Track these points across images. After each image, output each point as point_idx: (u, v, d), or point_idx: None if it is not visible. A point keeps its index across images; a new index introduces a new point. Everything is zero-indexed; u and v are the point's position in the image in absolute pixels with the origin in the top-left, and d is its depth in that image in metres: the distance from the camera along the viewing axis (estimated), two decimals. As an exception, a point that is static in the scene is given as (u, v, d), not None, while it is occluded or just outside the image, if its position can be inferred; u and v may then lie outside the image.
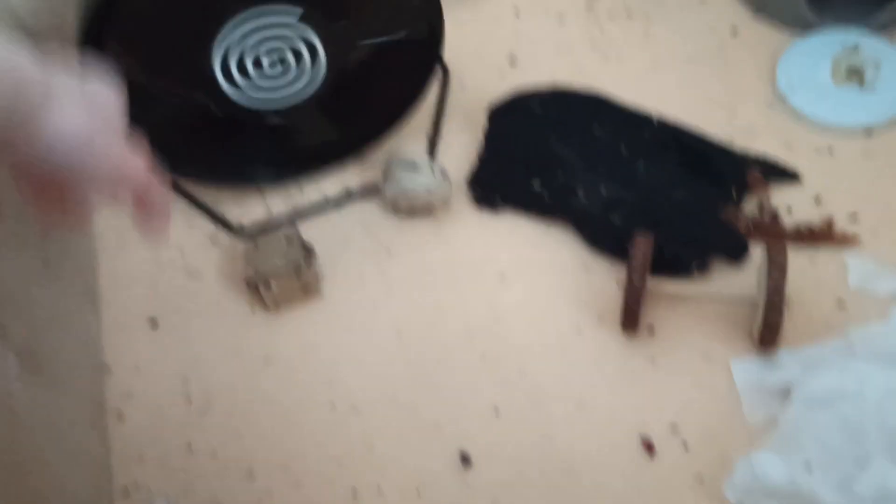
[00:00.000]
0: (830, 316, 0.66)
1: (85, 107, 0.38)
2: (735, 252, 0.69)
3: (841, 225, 0.70)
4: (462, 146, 0.81)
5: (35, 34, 0.77)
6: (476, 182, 0.77)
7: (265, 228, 0.77)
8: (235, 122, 0.76)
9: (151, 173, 0.41)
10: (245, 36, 0.68)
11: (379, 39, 0.75)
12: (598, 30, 0.88)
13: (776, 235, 0.69)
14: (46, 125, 0.36)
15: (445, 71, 0.86)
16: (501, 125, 0.79)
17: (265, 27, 0.68)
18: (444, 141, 0.82)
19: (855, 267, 0.67)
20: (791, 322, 0.64)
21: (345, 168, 0.80)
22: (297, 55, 0.70)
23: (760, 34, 0.84)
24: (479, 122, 0.81)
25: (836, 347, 0.62)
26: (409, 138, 0.81)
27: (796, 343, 0.64)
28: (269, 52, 0.69)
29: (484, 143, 0.79)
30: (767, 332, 0.61)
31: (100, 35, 0.64)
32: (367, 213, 0.77)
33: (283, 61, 0.70)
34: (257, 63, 0.70)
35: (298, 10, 0.67)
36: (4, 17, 0.73)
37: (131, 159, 0.40)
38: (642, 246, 0.63)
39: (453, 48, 0.86)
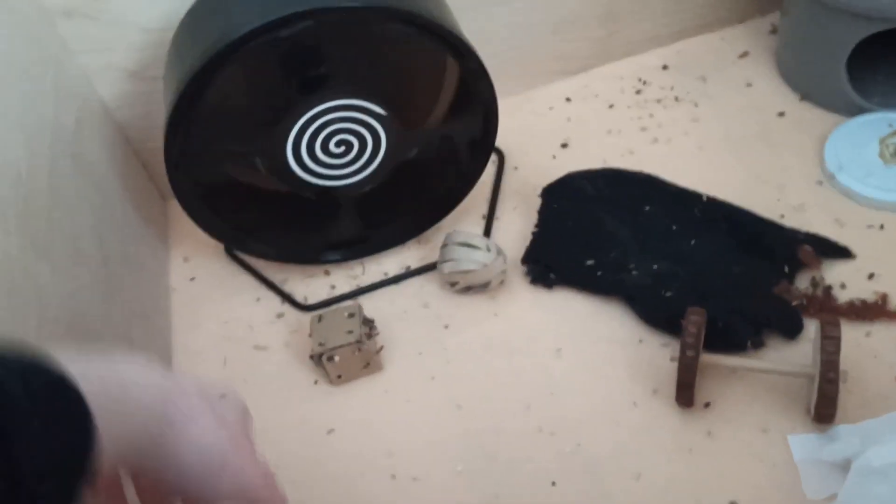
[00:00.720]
0: (888, 389, 0.66)
1: (218, 423, 0.38)
2: (789, 327, 0.70)
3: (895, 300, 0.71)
4: (516, 225, 0.84)
5: (124, 126, 0.84)
6: (530, 259, 0.79)
7: (329, 304, 0.81)
8: (303, 203, 0.81)
9: (274, 485, 0.40)
10: (316, 120, 0.73)
11: (437, 129, 0.79)
12: (646, 114, 0.92)
13: (830, 310, 0.70)
14: (182, 444, 0.36)
15: (500, 154, 0.90)
16: (555, 204, 0.82)
17: (332, 116, 0.73)
18: (498, 220, 0.85)
19: (911, 341, 0.67)
20: (848, 396, 0.64)
21: (406, 245, 0.84)
22: (363, 140, 0.75)
23: (807, 117, 0.87)
24: (533, 203, 0.85)
25: (894, 420, 0.62)
26: (465, 218, 0.85)
27: (854, 417, 0.64)
28: (336, 136, 0.74)
29: (538, 221, 0.82)
30: (823, 407, 0.61)
31: (185, 124, 0.70)
32: (425, 289, 0.81)
33: (348, 145, 0.75)
34: (325, 147, 0.75)
35: (367, 104, 0.73)
36: (96, 108, 0.80)
37: (259, 475, 0.39)
38: (695, 320, 0.65)
39: (508, 132, 0.91)
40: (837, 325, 0.61)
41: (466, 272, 0.76)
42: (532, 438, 0.69)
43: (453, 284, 0.79)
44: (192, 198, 0.75)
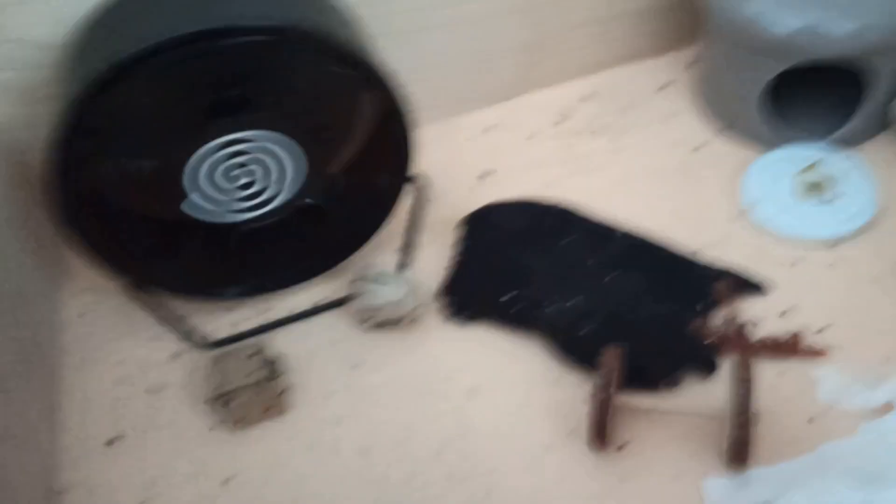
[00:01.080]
0: (801, 431, 0.64)
1: None
2: (704, 366, 0.68)
3: (809, 337, 0.70)
4: (434, 258, 0.81)
5: (12, 150, 0.79)
6: (447, 294, 0.76)
7: (232, 341, 0.76)
8: (205, 236, 0.77)
9: None
10: (219, 150, 0.69)
11: (346, 159, 0.76)
12: (567, 145, 0.90)
13: (744, 349, 0.69)
14: None
15: (421, 182, 0.87)
16: (473, 237, 0.80)
17: (241, 142, 0.69)
18: (416, 251, 0.82)
19: (824, 380, 0.66)
20: (762, 437, 0.63)
21: (316, 281, 0.80)
22: (269, 173, 0.72)
23: (725, 150, 0.86)
24: (452, 235, 0.82)
25: (808, 464, 0.60)
26: (381, 250, 0.82)
27: (768, 459, 0.62)
28: (241, 169, 0.71)
29: (455, 254, 0.79)
30: (736, 450, 0.60)
31: (78, 151, 0.65)
32: (336, 326, 0.77)
33: (254, 178, 0.72)
34: (230, 179, 0.71)
35: (273, 133, 0.69)
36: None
37: None
38: (611, 360, 0.63)
39: (430, 160, 0.88)
40: (749, 367, 0.60)
41: (378, 308, 0.73)
42: (442, 486, 0.65)
43: (365, 321, 0.76)
44: (86, 226, 0.70)
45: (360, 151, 0.78)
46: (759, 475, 0.61)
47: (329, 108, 0.75)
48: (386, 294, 0.72)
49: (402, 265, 0.81)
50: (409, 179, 0.77)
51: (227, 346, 0.75)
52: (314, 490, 0.66)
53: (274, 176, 0.72)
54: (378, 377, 0.73)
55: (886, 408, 0.63)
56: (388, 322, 0.75)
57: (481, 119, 0.94)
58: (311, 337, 0.76)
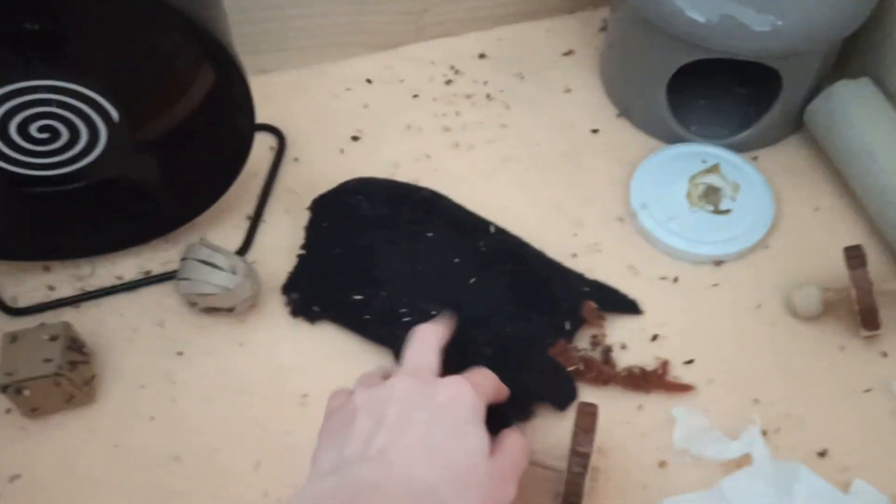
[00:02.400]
0: (649, 476, 0.60)
1: None
2: (561, 398, 0.62)
3: (677, 370, 0.64)
4: (285, 232, 0.72)
5: None
6: (291, 288, 0.68)
7: (43, 309, 0.67)
8: (15, 188, 0.65)
9: None
10: (31, 96, 0.57)
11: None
12: (453, 111, 0.80)
13: (606, 378, 0.63)
14: None
15: (281, 139, 0.77)
16: (324, 223, 0.71)
17: (52, 91, 0.58)
18: (265, 223, 0.73)
19: (682, 422, 0.61)
20: (604, 484, 0.58)
21: (148, 246, 0.71)
22: (88, 121, 0.60)
23: (621, 138, 0.78)
24: (308, 206, 0.73)
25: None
26: (226, 217, 0.72)
27: (608, 507, 0.58)
28: (57, 118, 0.59)
29: (305, 242, 0.70)
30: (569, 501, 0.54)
31: None
32: (165, 302, 0.68)
33: (72, 127, 0.60)
34: (44, 129, 0.60)
35: (86, 85, 0.58)
36: None
37: None
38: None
39: (294, 112, 0.79)
40: (593, 415, 0.54)
41: (204, 295, 0.64)
42: (255, 506, 0.59)
43: (194, 304, 0.67)
44: None
45: (192, 116, 0.67)
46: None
47: (153, 70, 0.64)
48: (214, 281, 0.63)
49: (250, 238, 0.71)
50: (247, 150, 0.66)
51: (40, 312, 0.66)
52: (115, 493, 0.59)
53: (79, 137, 0.61)
54: (203, 370, 0.65)
55: (742, 461, 0.59)
56: (220, 307, 0.66)
57: (362, 68, 0.83)
58: (136, 313, 0.67)
